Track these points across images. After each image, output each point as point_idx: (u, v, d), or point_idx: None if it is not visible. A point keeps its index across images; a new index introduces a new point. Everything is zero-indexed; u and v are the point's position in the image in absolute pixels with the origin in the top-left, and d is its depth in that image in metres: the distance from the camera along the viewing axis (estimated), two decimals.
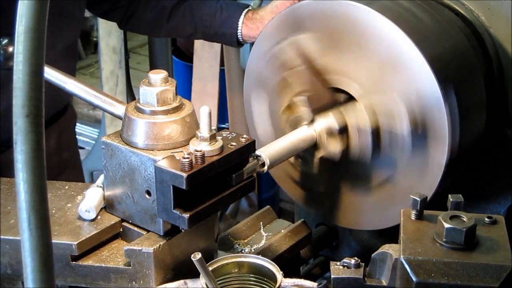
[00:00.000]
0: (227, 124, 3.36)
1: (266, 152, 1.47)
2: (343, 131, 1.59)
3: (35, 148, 0.89)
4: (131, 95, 3.60)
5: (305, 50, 1.67)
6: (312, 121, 1.61)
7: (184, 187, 1.25)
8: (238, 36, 1.97)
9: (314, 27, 1.66)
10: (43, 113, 0.90)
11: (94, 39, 5.47)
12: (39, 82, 0.89)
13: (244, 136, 1.38)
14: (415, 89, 1.52)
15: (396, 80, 1.55)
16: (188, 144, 1.34)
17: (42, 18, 0.89)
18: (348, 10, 1.59)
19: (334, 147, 1.59)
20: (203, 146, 1.31)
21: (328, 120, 1.59)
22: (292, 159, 1.75)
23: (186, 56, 3.78)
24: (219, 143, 1.33)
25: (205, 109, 1.29)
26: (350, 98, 1.64)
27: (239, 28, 1.96)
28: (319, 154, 1.64)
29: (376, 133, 1.57)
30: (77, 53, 2.24)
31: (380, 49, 1.56)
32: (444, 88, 1.49)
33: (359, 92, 1.61)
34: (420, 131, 1.52)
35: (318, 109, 1.62)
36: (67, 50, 1.99)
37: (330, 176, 1.73)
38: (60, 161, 2.07)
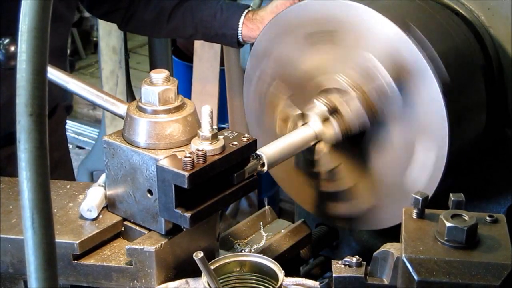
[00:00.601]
0: (227, 124, 3.36)
1: (266, 152, 1.47)
2: (334, 111, 1.58)
3: (38, 146, 0.89)
4: (131, 95, 3.60)
5: (281, 66, 1.70)
6: (306, 122, 1.61)
7: (186, 186, 1.26)
8: (239, 37, 1.97)
9: (317, 26, 1.66)
10: (47, 112, 0.90)
11: (94, 39, 5.47)
12: (43, 81, 0.90)
13: (246, 135, 1.38)
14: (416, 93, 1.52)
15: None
16: (190, 143, 1.35)
17: (45, 17, 0.90)
18: (348, 10, 1.59)
19: (331, 129, 1.59)
20: (205, 145, 1.31)
21: (315, 107, 1.59)
22: (292, 159, 1.75)
23: (186, 56, 3.78)
24: (220, 142, 1.33)
25: (206, 108, 1.30)
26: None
27: (239, 29, 1.96)
28: (323, 145, 1.63)
29: (362, 97, 1.56)
30: (67, 54, 2.24)
31: (380, 50, 1.56)
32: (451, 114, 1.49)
33: (349, 82, 1.61)
34: (403, 78, 1.51)
35: (304, 103, 1.62)
36: (58, 51, 1.99)
37: (330, 176, 1.74)
38: (51, 161, 2.05)
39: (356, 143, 1.65)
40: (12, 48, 1.52)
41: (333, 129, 1.59)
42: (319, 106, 1.59)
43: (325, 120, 1.59)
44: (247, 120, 1.90)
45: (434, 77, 1.49)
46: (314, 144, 1.63)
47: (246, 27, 1.95)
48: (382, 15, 1.54)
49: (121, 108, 1.48)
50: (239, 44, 2.01)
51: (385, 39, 1.54)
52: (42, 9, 0.89)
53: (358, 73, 1.57)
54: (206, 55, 3.30)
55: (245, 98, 1.87)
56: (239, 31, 1.96)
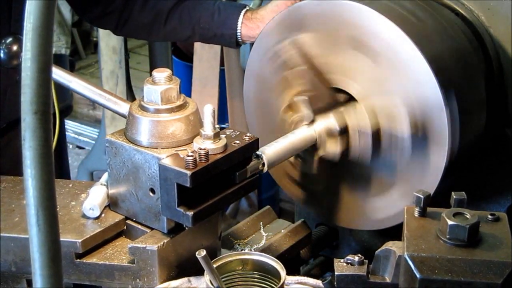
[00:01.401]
0: (227, 124, 3.36)
1: (266, 152, 1.48)
2: (343, 132, 1.60)
3: (43, 144, 0.89)
4: (131, 95, 3.60)
5: (306, 50, 1.67)
6: (312, 122, 1.62)
7: (188, 185, 1.26)
8: (238, 37, 1.96)
9: (315, 26, 1.67)
10: (51, 110, 0.90)
11: (94, 39, 5.47)
12: (47, 79, 0.90)
13: (248, 134, 1.39)
14: (415, 91, 1.52)
15: (397, 81, 1.55)
16: (192, 142, 1.35)
17: (50, 16, 0.90)
18: (348, 10, 1.60)
19: (334, 147, 1.60)
20: (207, 144, 1.31)
21: (329, 121, 1.60)
22: (292, 159, 1.75)
23: (186, 56, 3.78)
24: (222, 141, 1.33)
25: (209, 108, 1.30)
26: (351, 99, 1.64)
27: (238, 28, 1.95)
28: (318, 154, 1.64)
29: (376, 134, 1.57)
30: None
31: (380, 49, 1.56)
32: (445, 91, 1.49)
33: (360, 92, 1.62)
34: (420, 134, 1.53)
35: (319, 109, 1.62)
36: None
37: (330, 176, 1.74)
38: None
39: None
40: (14, 48, 1.52)
41: (334, 148, 1.60)
42: (332, 122, 1.59)
43: (331, 135, 1.60)
44: (247, 121, 1.90)
45: (428, 65, 1.48)
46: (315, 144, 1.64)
47: (246, 26, 1.95)
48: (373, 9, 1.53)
49: (123, 107, 1.48)
50: (238, 44, 2.01)
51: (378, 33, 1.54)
52: (46, 8, 0.89)
53: (378, 96, 1.56)
54: (206, 55, 3.31)
55: (245, 100, 1.87)
56: (238, 31, 1.95)
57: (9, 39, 1.52)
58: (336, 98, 1.66)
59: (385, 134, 1.57)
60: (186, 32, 2.03)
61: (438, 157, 1.54)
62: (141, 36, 2.21)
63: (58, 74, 1.48)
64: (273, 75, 1.74)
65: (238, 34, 1.95)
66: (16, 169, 1.98)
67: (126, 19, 2.04)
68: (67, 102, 3.67)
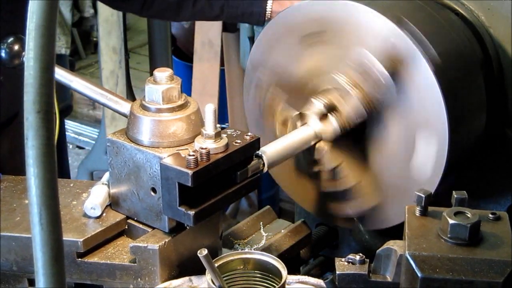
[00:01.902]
0: (227, 124, 3.37)
1: (266, 152, 1.48)
2: (332, 108, 1.59)
3: (46, 143, 0.90)
4: (131, 95, 3.60)
5: (278, 75, 1.70)
6: (305, 121, 1.62)
7: (189, 184, 1.26)
8: (267, 13, 1.92)
9: (318, 26, 1.67)
10: (54, 109, 0.91)
11: (94, 39, 5.47)
12: (50, 78, 0.90)
13: (249, 133, 1.39)
14: (415, 91, 1.53)
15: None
16: (193, 141, 1.35)
17: (53, 15, 0.90)
18: (348, 10, 1.60)
19: (328, 124, 1.59)
20: (208, 144, 1.32)
21: (313, 106, 1.59)
22: (291, 159, 1.76)
23: (186, 56, 3.78)
24: (224, 140, 1.34)
25: (210, 107, 1.30)
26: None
27: (269, 5, 1.91)
28: (324, 144, 1.63)
29: (360, 92, 1.56)
30: None
31: (380, 50, 1.57)
32: (445, 91, 1.50)
33: (347, 81, 1.62)
34: (398, 69, 1.51)
35: (302, 105, 1.63)
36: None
37: (331, 175, 1.74)
38: (15, 166, 2.03)
39: (356, 141, 1.66)
40: (16, 47, 1.52)
41: (331, 126, 1.59)
42: (316, 105, 1.59)
43: (323, 117, 1.59)
44: (248, 126, 1.91)
45: (427, 63, 1.49)
46: (315, 144, 1.64)
47: (277, 3, 1.91)
48: (376, 10, 1.55)
49: (124, 107, 1.48)
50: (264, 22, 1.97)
51: (378, 34, 1.55)
52: (49, 7, 0.90)
53: (354, 69, 1.57)
54: (206, 55, 3.31)
55: (245, 105, 1.88)
56: (269, 7, 1.91)
57: (11, 39, 1.52)
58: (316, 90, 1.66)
59: (368, 87, 1.55)
60: (215, 11, 2.00)
61: (438, 158, 1.54)
62: (167, 16, 2.17)
63: (60, 73, 1.48)
64: (257, 101, 1.77)
65: (269, 11, 1.93)
66: (12, 165, 1.98)
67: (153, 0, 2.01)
68: (67, 102, 3.68)
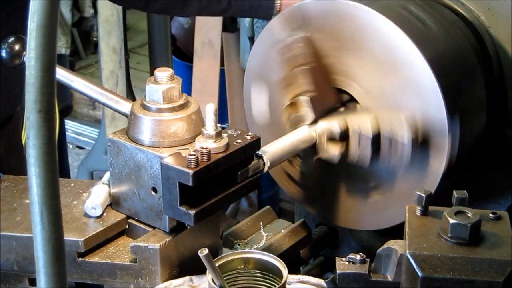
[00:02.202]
0: (227, 124, 3.37)
1: (266, 152, 1.48)
2: (344, 134, 1.59)
3: (47, 143, 0.90)
4: (131, 95, 3.60)
5: (315, 48, 1.66)
6: (313, 122, 1.62)
7: (190, 184, 1.26)
8: (276, 6, 1.89)
9: (318, 26, 1.67)
10: (55, 109, 0.91)
11: (94, 39, 5.47)
12: (51, 77, 0.90)
13: (249, 133, 1.39)
14: (416, 92, 1.53)
15: (399, 87, 1.55)
16: (194, 141, 1.35)
17: (54, 15, 0.90)
18: (348, 10, 1.60)
19: (333, 150, 1.59)
20: (209, 143, 1.32)
21: (330, 124, 1.59)
22: (291, 159, 1.76)
23: (186, 56, 3.78)
24: (224, 140, 1.34)
25: (211, 107, 1.31)
26: (353, 100, 1.65)
27: None
28: (318, 155, 1.64)
29: (376, 139, 1.56)
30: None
31: (380, 50, 1.57)
32: (445, 92, 1.50)
33: (362, 96, 1.62)
34: (421, 137, 1.52)
35: (321, 111, 1.62)
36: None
37: (329, 176, 1.74)
38: (9, 167, 2.00)
39: None
40: (17, 47, 1.52)
41: (334, 150, 1.59)
42: (334, 125, 1.58)
43: (332, 137, 1.59)
44: (247, 121, 1.90)
45: (427, 63, 1.49)
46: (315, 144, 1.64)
47: None
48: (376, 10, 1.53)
49: (125, 106, 1.48)
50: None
51: (378, 34, 1.54)
52: (50, 7, 0.90)
53: (383, 104, 1.56)
54: (206, 55, 3.31)
55: (245, 100, 1.86)
56: (278, 1, 1.88)
57: (11, 39, 1.52)
58: (339, 99, 1.66)
59: (385, 140, 1.56)
60: (222, 5, 1.97)
61: (438, 158, 1.54)
62: (173, 11, 2.12)
63: (60, 73, 1.48)
64: (276, 71, 1.72)
65: (278, 4, 1.90)
66: (7, 165, 1.98)
67: None
68: (67, 102, 3.68)
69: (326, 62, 1.67)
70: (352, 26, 1.61)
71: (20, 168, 2.09)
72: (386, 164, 1.56)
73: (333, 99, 1.65)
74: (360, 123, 1.58)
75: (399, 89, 1.56)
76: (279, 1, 1.91)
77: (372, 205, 1.70)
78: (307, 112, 1.61)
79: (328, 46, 1.66)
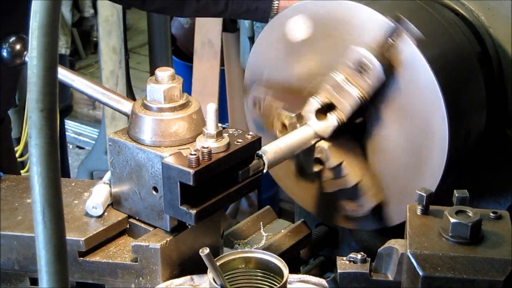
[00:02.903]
0: (227, 124, 3.37)
1: (266, 152, 1.48)
2: (329, 105, 1.59)
3: (49, 142, 0.90)
4: (131, 95, 3.60)
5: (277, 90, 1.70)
6: (303, 122, 1.62)
7: (191, 183, 1.27)
8: (274, 8, 1.91)
9: (318, 26, 1.67)
10: (57, 108, 0.91)
11: (94, 39, 5.47)
12: (53, 77, 0.90)
13: (250, 133, 1.39)
14: (416, 92, 1.53)
15: (399, 87, 1.56)
16: (195, 141, 1.36)
17: (56, 14, 0.90)
18: (348, 10, 1.61)
19: (328, 120, 1.59)
20: (210, 143, 1.32)
21: (309, 105, 1.59)
22: (291, 159, 1.76)
23: (186, 56, 3.79)
24: (225, 139, 1.34)
25: (211, 106, 1.31)
26: None
27: (276, 0, 1.89)
28: (324, 143, 1.63)
29: (354, 85, 1.55)
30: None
31: (377, 46, 1.57)
32: (445, 91, 1.50)
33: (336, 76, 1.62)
34: (396, 67, 1.52)
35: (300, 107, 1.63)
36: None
37: (331, 174, 1.74)
38: (1, 170, 2.02)
39: (357, 140, 1.67)
40: (18, 47, 1.52)
41: (329, 122, 1.59)
42: (312, 103, 1.59)
43: (320, 115, 1.59)
44: (247, 121, 1.90)
45: (427, 63, 1.49)
46: (315, 143, 1.64)
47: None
48: (376, 10, 1.55)
49: (126, 106, 1.49)
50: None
51: (378, 34, 1.55)
52: (52, 6, 0.90)
53: (349, 67, 1.56)
54: (206, 55, 3.32)
55: (245, 100, 1.88)
56: (275, 4, 1.90)
57: (12, 38, 1.52)
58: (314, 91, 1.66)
59: (363, 84, 1.54)
60: (219, 7, 1.98)
61: (438, 158, 1.54)
62: (170, 11, 2.14)
63: (61, 73, 1.48)
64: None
65: (275, 7, 1.91)
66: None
67: None
68: (67, 102, 3.68)
69: (300, 79, 1.69)
70: (352, 26, 1.61)
71: (11, 171, 2.09)
72: (369, 87, 1.54)
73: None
74: (333, 86, 1.58)
75: (399, 89, 1.56)
76: (277, 2, 1.92)
77: (372, 205, 1.70)
78: (289, 117, 1.62)
79: (328, 46, 1.66)
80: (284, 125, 1.67)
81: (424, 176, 1.58)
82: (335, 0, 1.63)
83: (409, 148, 1.59)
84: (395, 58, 1.53)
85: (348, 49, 1.58)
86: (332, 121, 1.58)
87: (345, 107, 1.57)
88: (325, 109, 1.59)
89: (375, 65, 1.51)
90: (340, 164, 1.63)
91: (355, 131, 1.65)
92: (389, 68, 1.53)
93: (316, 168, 1.70)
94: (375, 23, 1.55)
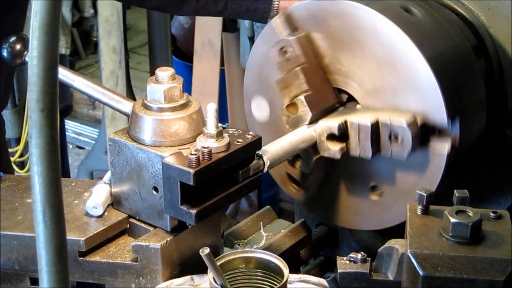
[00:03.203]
0: (227, 124, 3.37)
1: (266, 152, 1.48)
2: (343, 132, 1.59)
3: (49, 142, 0.90)
4: (131, 95, 3.60)
5: (310, 48, 1.67)
6: (313, 122, 1.62)
7: (191, 183, 1.27)
8: (274, 9, 1.91)
9: (318, 26, 1.67)
10: (58, 108, 0.91)
11: (94, 39, 5.47)
12: (54, 77, 0.90)
13: (250, 133, 1.39)
14: (416, 92, 1.53)
15: (398, 83, 1.56)
16: (195, 140, 1.36)
17: (56, 14, 0.91)
18: (348, 10, 1.61)
19: (334, 147, 1.60)
20: (210, 143, 1.32)
21: (329, 123, 1.59)
22: (292, 159, 1.76)
23: (186, 56, 3.79)
24: (225, 139, 1.34)
25: (212, 106, 1.31)
26: (352, 99, 1.65)
27: (276, 1, 1.89)
28: (319, 154, 1.64)
29: (375, 129, 1.56)
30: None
31: (380, 50, 1.57)
32: (445, 91, 1.50)
33: (362, 95, 1.62)
34: (420, 125, 1.52)
35: (321, 111, 1.62)
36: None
37: (329, 176, 1.74)
38: None
39: None
40: (18, 47, 1.52)
41: (334, 147, 1.59)
42: (333, 124, 1.58)
43: (331, 135, 1.59)
44: (247, 121, 1.90)
45: (427, 63, 1.49)
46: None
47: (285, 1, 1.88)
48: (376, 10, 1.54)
49: (126, 106, 1.49)
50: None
51: (379, 34, 1.55)
52: (52, 6, 0.90)
53: (385, 133, 1.55)
54: (206, 55, 3.32)
55: (245, 100, 1.86)
56: (275, 4, 1.89)
57: (13, 38, 1.52)
58: (338, 98, 1.66)
59: (384, 127, 1.54)
60: (219, 6, 1.99)
61: (438, 158, 1.54)
62: (170, 9, 2.13)
63: (62, 73, 1.48)
64: (277, 70, 1.71)
65: (275, 7, 1.91)
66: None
67: None
68: (67, 102, 3.68)
69: (325, 62, 1.67)
70: (352, 26, 1.61)
71: (4, 171, 2.08)
72: (388, 154, 1.55)
73: (332, 98, 1.65)
74: (359, 118, 1.58)
75: (399, 89, 1.56)
76: (277, 2, 1.92)
77: (372, 205, 1.70)
78: (305, 112, 1.61)
79: (327, 46, 1.66)
80: (295, 107, 1.64)
81: (424, 176, 1.58)
82: (335, 0, 1.63)
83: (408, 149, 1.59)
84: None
85: (394, 96, 1.57)
86: (336, 153, 1.58)
87: (356, 152, 1.57)
88: (340, 134, 1.58)
89: (407, 148, 1.51)
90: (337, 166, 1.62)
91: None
92: (415, 149, 1.52)
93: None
94: (375, 23, 1.54)
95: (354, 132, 1.58)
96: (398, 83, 1.56)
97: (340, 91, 1.68)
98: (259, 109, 1.77)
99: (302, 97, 1.62)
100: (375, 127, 1.55)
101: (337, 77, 1.67)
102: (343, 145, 1.59)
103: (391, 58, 1.56)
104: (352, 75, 1.64)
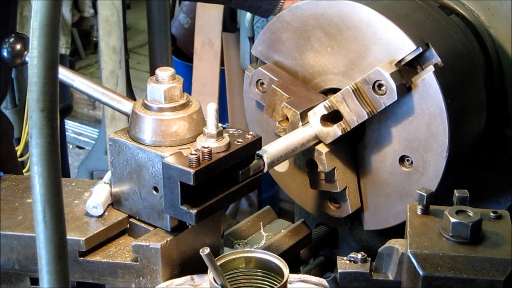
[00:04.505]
0: (227, 124, 3.36)
1: (267, 152, 1.48)
2: (336, 113, 1.59)
3: (50, 142, 0.90)
4: (131, 95, 3.60)
5: (283, 69, 1.72)
6: (306, 121, 1.62)
7: (191, 183, 1.27)
8: (278, 7, 1.92)
9: (318, 26, 1.67)
10: (58, 108, 0.91)
11: (94, 39, 5.47)
12: (54, 76, 0.91)
13: (251, 133, 1.39)
14: (379, 43, 1.54)
15: (363, 47, 1.58)
16: (195, 140, 1.36)
17: (56, 14, 0.91)
18: (348, 10, 1.61)
19: (331, 127, 1.59)
20: (210, 143, 1.32)
21: (317, 110, 1.60)
22: (292, 159, 1.76)
23: (186, 56, 3.79)
24: (226, 139, 1.34)
25: (212, 106, 1.31)
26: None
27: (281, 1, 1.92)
28: (327, 148, 1.63)
29: (360, 94, 1.55)
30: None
31: (380, 50, 1.57)
32: (445, 91, 1.50)
33: (339, 79, 1.64)
34: (398, 72, 1.52)
35: (307, 109, 1.63)
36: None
37: (330, 176, 1.74)
38: (6, 173, 2.01)
39: (352, 143, 1.67)
40: (18, 46, 1.52)
41: (333, 130, 1.59)
42: (320, 108, 1.60)
43: (325, 120, 1.60)
44: (247, 121, 1.90)
45: (438, 84, 1.50)
46: (315, 145, 1.64)
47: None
48: (384, 16, 1.56)
49: (126, 106, 1.49)
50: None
51: (379, 34, 1.55)
52: (53, 6, 0.90)
53: (366, 83, 1.56)
54: (206, 55, 3.32)
55: (245, 100, 1.88)
56: (280, 3, 1.91)
57: (12, 38, 1.52)
58: (324, 98, 1.67)
59: (365, 85, 1.55)
60: None
61: (438, 157, 1.54)
62: None
63: (62, 72, 1.48)
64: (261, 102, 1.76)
65: (280, 5, 1.93)
66: None
67: None
68: (67, 102, 3.68)
69: (300, 77, 1.70)
70: (352, 26, 1.61)
71: (17, 173, 2.08)
72: (382, 106, 1.54)
73: (317, 99, 1.66)
74: (342, 91, 1.59)
75: (365, 50, 1.57)
76: (281, 4, 1.93)
77: (373, 204, 1.70)
78: (294, 113, 1.62)
79: (323, 47, 1.67)
80: (286, 118, 1.66)
81: (424, 176, 1.58)
82: (335, 0, 1.63)
83: (409, 148, 1.59)
84: (412, 81, 1.53)
85: (354, 54, 1.59)
86: (336, 130, 1.58)
87: (353, 120, 1.57)
88: (331, 115, 1.59)
89: (392, 88, 1.51)
90: (333, 169, 1.64)
91: (354, 133, 1.65)
92: (404, 89, 1.53)
93: (313, 170, 1.70)
94: (397, 41, 1.55)
95: (342, 104, 1.58)
96: (363, 47, 1.58)
97: (328, 92, 1.69)
98: (281, 166, 1.80)
99: (284, 103, 1.64)
100: (358, 90, 1.56)
101: (316, 80, 1.70)
102: (339, 122, 1.59)
103: (391, 58, 1.55)
104: (324, 69, 1.66)
